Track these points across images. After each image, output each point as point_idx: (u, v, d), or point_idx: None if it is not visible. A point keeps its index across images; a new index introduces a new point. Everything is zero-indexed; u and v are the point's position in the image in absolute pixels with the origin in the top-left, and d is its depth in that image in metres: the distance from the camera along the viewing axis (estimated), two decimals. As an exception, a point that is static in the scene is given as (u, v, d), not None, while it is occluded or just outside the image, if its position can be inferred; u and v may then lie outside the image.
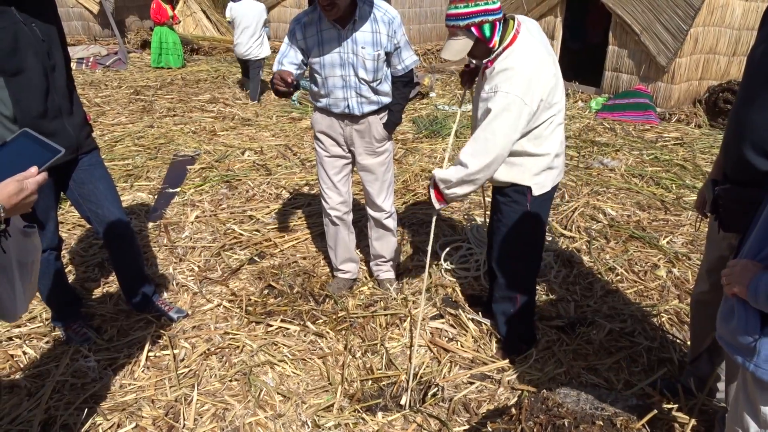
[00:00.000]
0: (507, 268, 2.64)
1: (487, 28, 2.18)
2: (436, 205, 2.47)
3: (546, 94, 2.23)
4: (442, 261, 3.58)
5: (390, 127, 2.95)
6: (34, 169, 1.28)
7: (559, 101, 2.35)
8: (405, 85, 2.95)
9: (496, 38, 2.22)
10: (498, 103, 2.19)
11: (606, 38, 7.76)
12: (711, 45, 7.29)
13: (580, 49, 8.51)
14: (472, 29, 2.18)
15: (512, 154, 2.35)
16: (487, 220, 3.76)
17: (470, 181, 2.31)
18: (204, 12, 13.73)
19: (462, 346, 2.88)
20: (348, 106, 2.81)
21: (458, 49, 2.26)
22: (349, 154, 3.02)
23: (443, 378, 2.66)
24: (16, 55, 2.22)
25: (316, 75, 2.80)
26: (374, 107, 2.85)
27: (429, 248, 2.65)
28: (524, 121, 2.22)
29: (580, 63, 8.24)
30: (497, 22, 2.20)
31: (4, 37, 2.19)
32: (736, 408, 1.55)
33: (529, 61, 2.20)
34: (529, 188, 2.42)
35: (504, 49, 2.23)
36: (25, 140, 1.36)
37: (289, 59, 2.76)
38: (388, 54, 2.78)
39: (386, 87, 2.87)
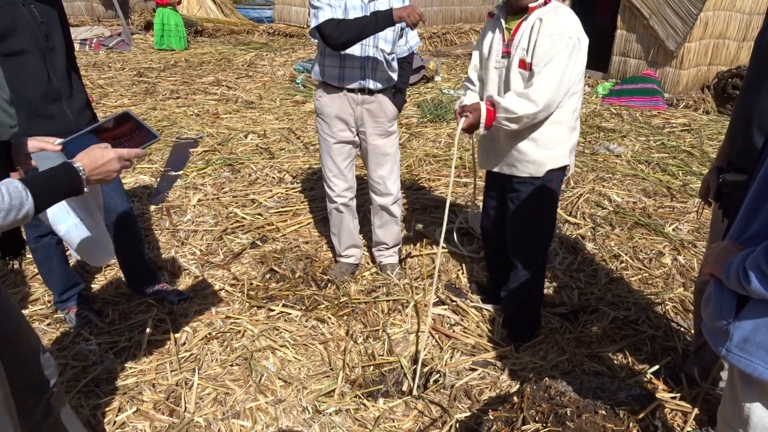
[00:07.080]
0: (528, 255, 2.61)
1: None
2: (482, 130, 2.32)
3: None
4: (444, 243, 3.56)
5: (399, 104, 2.98)
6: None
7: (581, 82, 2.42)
8: (408, 66, 2.99)
9: None
10: (563, 45, 2.21)
11: (614, 22, 7.65)
12: (721, 30, 7.18)
13: (587, 33, 8.37)
14: None
15: (552, 123, 2.34)
16: (479, 205, 3.73)
17: (529, 118, 2.25)
18: (208, -7, 13.62)
19: (464, 332, 2.87)
20: (363, 77, 2.79)
21: None
22: (356, 138, 3.00)
23: (445, 365, 2.65)
24: (12, 36, 2.18)
25: None
26: (385, 84, 2.86)
27: (443, 227, 2.61)
28: (580, 68, 2.30)
29: (588, 47, 8.12)
30: None
31: (1, 17, 2.15)
32: (725, 403, 1.50)
33: (578, 24, 2.28)
34: (565, 167, 2.44)
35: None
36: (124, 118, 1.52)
37: None
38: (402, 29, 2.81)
39: (395, 64, 2.89)
